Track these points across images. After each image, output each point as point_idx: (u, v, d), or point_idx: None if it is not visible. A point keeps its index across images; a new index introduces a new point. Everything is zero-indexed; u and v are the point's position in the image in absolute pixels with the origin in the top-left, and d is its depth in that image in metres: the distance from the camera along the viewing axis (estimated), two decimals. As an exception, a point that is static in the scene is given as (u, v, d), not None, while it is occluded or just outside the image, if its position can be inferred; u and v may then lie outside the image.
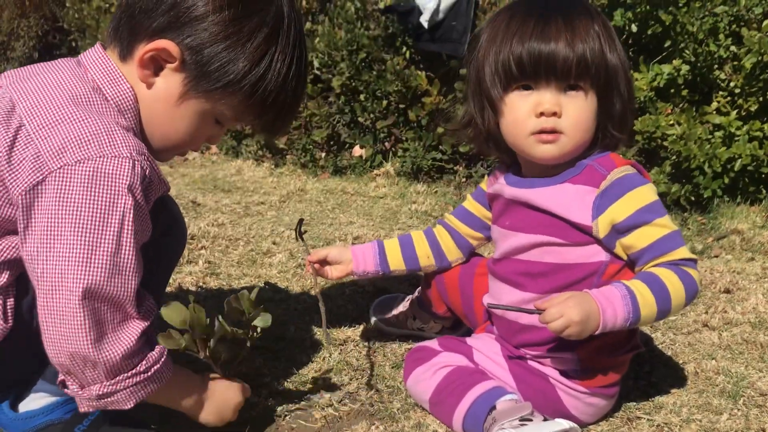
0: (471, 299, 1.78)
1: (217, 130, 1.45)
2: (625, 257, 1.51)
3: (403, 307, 2.00)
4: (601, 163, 1.51)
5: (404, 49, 3.47)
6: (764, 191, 3.14)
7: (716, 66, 3.06)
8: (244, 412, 1.54)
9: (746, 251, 2.76)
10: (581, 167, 1.52)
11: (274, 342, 1.90)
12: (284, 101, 1.41)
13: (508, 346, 1.63)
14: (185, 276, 2.25)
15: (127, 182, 1.22)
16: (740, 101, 3.05)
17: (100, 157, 1.21)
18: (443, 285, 1.84)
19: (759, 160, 2.99)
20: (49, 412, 1.43)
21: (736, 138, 2.99)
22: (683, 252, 1.47)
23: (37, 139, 1.22)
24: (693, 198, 3.09)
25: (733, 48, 3.01)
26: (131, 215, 1.23)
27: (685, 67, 3.01)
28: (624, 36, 3.20)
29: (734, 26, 3.05)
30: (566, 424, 1.46)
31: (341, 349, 1.90)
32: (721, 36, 3.02)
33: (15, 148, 1.23)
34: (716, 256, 2.72)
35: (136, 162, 1.23)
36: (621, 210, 1.47)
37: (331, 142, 3.74)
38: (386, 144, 3.65)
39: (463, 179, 3.45)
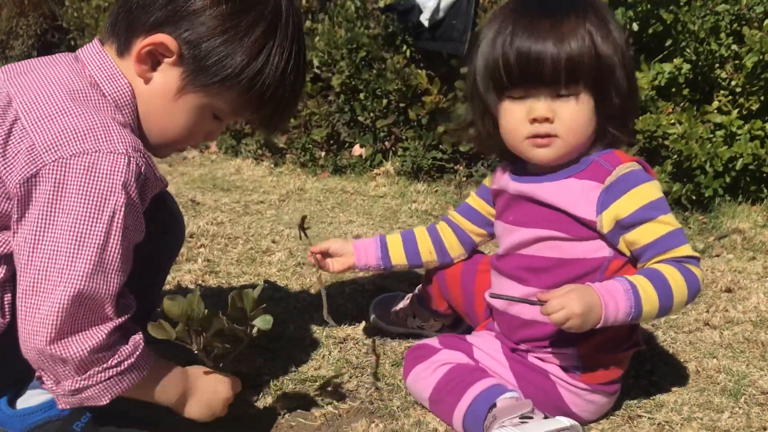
0: (472, 296, 1.78)
1: (216, 125, 1.44)
2: (628, 253, 1.51)
3: (403, 305, 1.99)
4: (607, 159, 1.51)
5: (404, 47, 3.47)
6: (765, 190, 3.13)
7: (717, 65, 3.06)
8: (240, 409, 1.53)
9: (747, 250, 2.75)
10: (586, 163, 1.52)
11: (273, 341, 1.89)
12: (282, 96, 1.40)
13: (508, 343, 1.62)
14: (184, 274, 2.25)
15: (122, 179, 1.21)
16: (741, 100, 3.04)
17: (96, 152, 1.20)
18: (444, 281, 1.83)
19: (760, 159, 2.99)
20: (47, 408, 1.42)
21: (738, 137, 2.99)
22: (686, 249, 1.47)
23: (32, 132, 1.21)
24: (694, 197, 3.08)
25: (734, 47, 3.00)
26: (122, 213, 1.21)
27: (686, 66, 3.01)
28: (625, 35, 3.20)
29: (735, 25, 3.04)
30: (567, 422, 1.45)
31: (341, 347, 1.89)
32: (723, 35, 3.01)
33: (10, 141, 1.22)
34: (717, 256, 2.72)
35: (132, 158, 1.22)
36: (625, 206, 1.47)
37: (331, 141, 3.74)
38: (386, 143, 3.64)
39: (464, 178, 3.44)
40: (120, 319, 1.25)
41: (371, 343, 1.78)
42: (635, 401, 1.69)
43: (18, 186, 1.20)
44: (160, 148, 1.41)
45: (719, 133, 2.99)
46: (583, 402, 1.56)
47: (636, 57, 3.17)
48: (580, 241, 1.51)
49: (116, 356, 1.26)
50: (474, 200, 1.79)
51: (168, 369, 1.38)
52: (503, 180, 1.64)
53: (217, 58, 1.32)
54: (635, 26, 3.09)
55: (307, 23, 3.69)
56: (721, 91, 3.08)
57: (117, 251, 1.22)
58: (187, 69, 1.33)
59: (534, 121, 1.49)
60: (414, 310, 1.97)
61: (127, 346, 1.27)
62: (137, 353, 1.28)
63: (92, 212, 1.19)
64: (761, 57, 2.92)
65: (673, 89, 3.08)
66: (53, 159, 1.19)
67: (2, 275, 1.29)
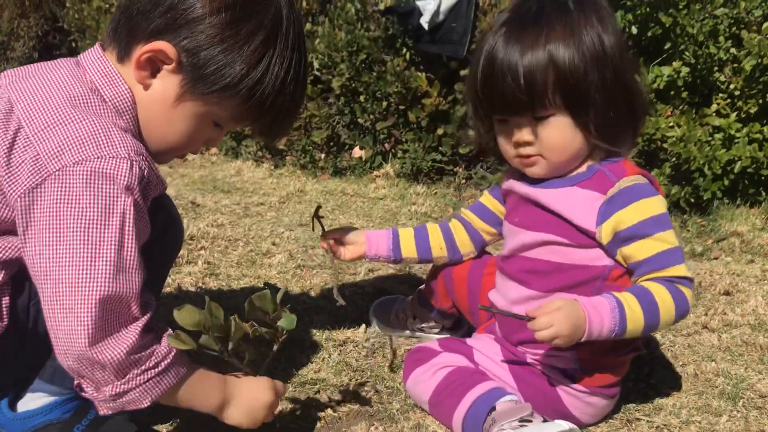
0: (477, 297, 1.78)
1: (216, 132, 1.44)
2: (625, 265, 1.52)
3: (403, 307, 2.00)
4: (612, 169, 1.51)
5: (404, 50, 3.47)
6: (764, 193, 3.14)
7: (716, 68, 3.07)
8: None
9: (746, 253, 2.76)
10: (592, 171, 1.52)
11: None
12: (282, 105, 1.39)
13: (508, 346, 1.63)
14: (184, 276, 2.25)
15: (125, 183, 1.22)
16: (740, 103, 3.05)
17: (98, 158, 1.21)
18: (451, 280, 1.84)
19: (759, 162, 2.99)
20: (48, 411, 1.43)
21: (736, 140, 2.99)
22: (680, 269, 1.46)
23: (35, 141, 1.22)
24: (693, 200, 3.09)
25: (733, 50, 3.01)
26: (131, 214, 1.22)
27: (685, 69, 3.01)
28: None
29: (734, 28, 3.05)
30: (566, 425, 1.46)
31: (341, 350, 1.90)
32: (721, 38, 3.02)
33: (14, 151, 1.23)
34: (716, 258, 2.72)
35: (134, 162, 1.23)
36: (624, 218, 1.47)
37: (331, 143, 3.74)
38: (386, 145, 3.65)
39: (463, 181, 3.44)
40: (145, 317, 1.27)
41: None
42: (634, 404, 1.70)
43: (22, 196, 1.20)
44: (160, 155, 1.42)
45: (718, 136, 3.00)
46: (583, 405, 1.57)
47: (635, 60, 3.17)
48: (582, 248, 1.52)
49: (153, 357, 1.27)
50: (487, 199, 1.80)
51: (208, 375, 1.39)
52: (512, 181, 1.65)
53: (216, 67, 1.31)
54: (634, 29, 3.10)
55: (308, 26, 3.69)
56: (720, 95, 3.09)
57: (134, 251, 1.23)
58: (186, 77, 1.32)
59: (516, 144, 1.52)
60: (414, 311, 1.97)
61: (162, 347, 1.29)
62: (173, 353, 1.30)
63: (102, 217, 1.20)
64: (760, 60, 2.93)
65: (672, 92, 3.09)
66: (57, 168, 1.20)
67: (1, 279, 1.30)
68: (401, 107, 3.49)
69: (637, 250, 1.47)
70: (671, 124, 3.02)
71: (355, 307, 2.15)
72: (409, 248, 1.82)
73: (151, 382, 1.27)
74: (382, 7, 3.48)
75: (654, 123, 3.00)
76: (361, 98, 3.54)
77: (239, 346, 1.41)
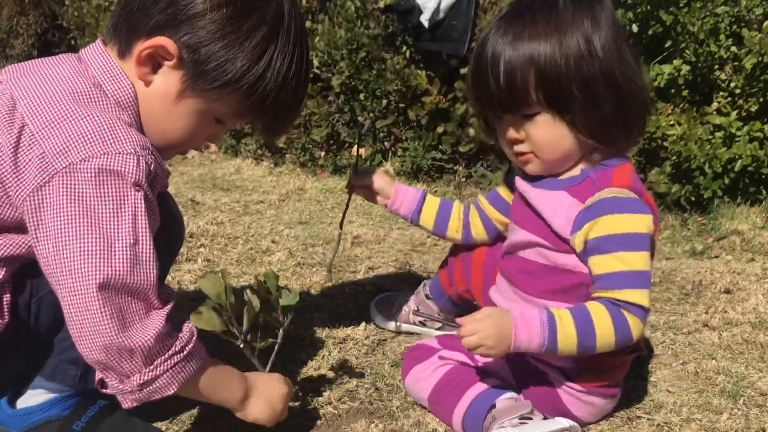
0: (490, 282, 1.78)
1: (218, 128, 1.43)
2: None
3: (406, 299, 2.00)
4: (600, 177, 1.48)
5: (404, 48, 3.47)
6: (764, 192, 3.14)
7: (717, 66, 3.06)
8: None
9: (746, 252, 2.76)
10: (583, 176, 1.50)
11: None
12: (284, 101, 1.39)
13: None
14: (184, 274, 2.25)
15: (133, 179, 1.22)
16: (741, 102, 3.05)
17: (105, 154, 1.21)
18: (469, 260, 1.84)
19: (759, 160, 2.99)
20: (48, 408, 1.43)
21: (737, 138, 2.99)
22: (632, 295, 1.41)
23: (41, 139, 1.22)
24: (693, 198, 3.08)
25: (733, 48, 3.01)
26: (143, 206, 1.23)
27: (685, 68, 3.01)
28: (623, 36, 3.20)
29: (735, 27, 3.05)
30: (566, 422, 1.46)
31: (341, 348, 1.89)
32: (722, 36, 3.01)
33: (20, 149, 1.22)
34: (716, 257, 2.72)
35: (141, 157, 1.23)
36: (594, 229, 1.44)
37: (331, 141, 3.74)
38: (386, 143, 3.65)
39: (463, 179, 3.44)
40: (168, 307, 1.28)
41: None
42: (634, 402, 1.70)
43: (30, 195, 1.20)
44: (161, 151, 1.40)
45: (718, 134, 3.00)
46: (581, 404, 1.56)
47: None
48: (565, 253, 1.50)
49: (178, 342, 1.28)
50: (502, 188, 1.80)
51: (229, 368, 1.41)
52: (518, 176, 1.64)
53: (217, 63, 1.31)
54: (635, 27, 3.10)
55: (307, 23, 3.69)
56: (721, 93, 3.09)
57: (148, 242, 1.24)
58: (188, 73, 1.32)
59: (509, 142, 1.52)
60: (419, 303, 1.97)
61: (184, 333, 1.30)
62: (194, 338, 1.31)
63: (114, 212, 1.21)
64: (760, 58, 2.93)
65: (673, 90, 3.09)
66: (64, 165, 1.19)
67: (1, 277, 1.29)
68: (401, 105, 3.49)
69: (596, 264, 1.44)
70: (672, 122, 3.02)
71: (355, 304, 2.15)
72: (428, 217, 1.84)
73: (177, 367, 1.27)
74: (382, 4, 3.48)
75: (654, 121, 3.00)
76: (361, 96, 3.54)
77: (249, 335, 1.44)
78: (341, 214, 1.89)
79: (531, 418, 1.45)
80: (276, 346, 1.51)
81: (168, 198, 1.59)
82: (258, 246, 2.54)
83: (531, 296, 1.55)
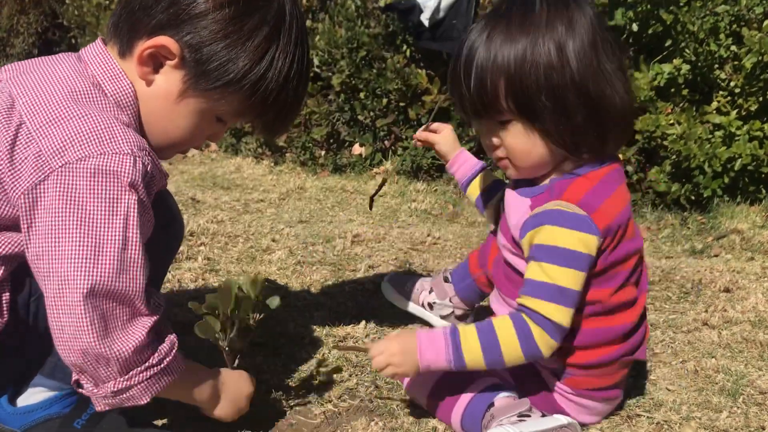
0: None
1: (219, 127, 1.43)
2: None
3: (421, 280, 2.02)
4: (558, 188, 1.45)
5: (404, 47, 3.47)
6: (764, 191, 3.14)
7: (717, 65, 3.07)
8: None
9: (746, 251, 2.76)
10: (549, 185, 1.48)
11: (273, 338, 1.90)
12: (285, 100, 1.39)
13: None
14: (184, 272, 2.25)
15: (129, 179, 1.21)
16: (740, 101, 3.05)
17: (102, 154, 1.20)
18: (487, 247, 1.85)
19: (759, 159, 3.00)
20: (48, 406, 1.43)
21: (736, 138, 2.99)
22: (546, 308, 1.40)
23: (38, 137, 1.22)
24: (693, 197, 3.09)
25: (733, 48, 3.01)
26: (135, 211, 1.22)
27: (685, 67, 3.01)
28: (625, 35, 3.20)
29: (735, 26, 3.05)
30: (564, 419, 1.46)
31: (341, 346, 1.89)
32: (722, 35, 3.02)
33: (16, 147, 1.22)
34: (716, 256, 2.72)
35: (138, 158, 1.23)
36: (536, 237, 1.43)
37: (331, 140, 3.74)
38: (386, 142, 3.65)
39: (463, 178, 3.44)
40: (154, 317, 1.27)
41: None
42: (634, 400, 1.70)
43: (26, 193, 1.20)
44: (162, 150, 1.40)
45: (718, 133, 3.00)
46: (573, 405, 1.55)
47: (635, 57, 3.17)
48: (523, 259, 1.50)
49: (156, 355, 1.27)
50: None
51: (200, 369, 1.42)
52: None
53: (219, 63, 1.30)
54: (635, 26, 3.10)
55: (308, 22, 3.69)
56: (720, 92, 3.09)
57: (137, 248, 1.23)
58: (189, 72, 1.31)
59: (487, 147, 1.52)
60: (434, 285, 1.98)
61: (165, 345, 1.29)
62: (174, 351, 1.31)
63: (106, 214, 1.20)
64: (760, 58, 2.93)
65: (673, 90, 3.09)
66: (60, 164, 1.19)
67: (0, 274, 1.30)
68: (401, 104, 3.49)
69: (527, 269, 1.45)
70: (671, 121, 3.02)
71: (355, 303, 2.16)
72: (475, 188, 1.86)
73: (152, 379, 1.28)
74: (382, 3, 3.48)
75: (654, 120, 3.01)
76: (362, 95, 3.54)
77: (235, 334, 1.45)
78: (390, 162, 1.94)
79: (529, 416, 1.45)
80: (246, 342, 1.51)
81: (168, 196, 1.59)
82: (258, 244, 2.54)
83: (512, 301, 1.55)
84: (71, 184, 1.19)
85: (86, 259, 1.19)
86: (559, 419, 1.45)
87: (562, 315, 1.40)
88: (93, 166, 1.20)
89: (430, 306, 1.99)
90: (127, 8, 1.34)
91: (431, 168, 3.51)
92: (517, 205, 1.52)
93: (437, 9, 3.29)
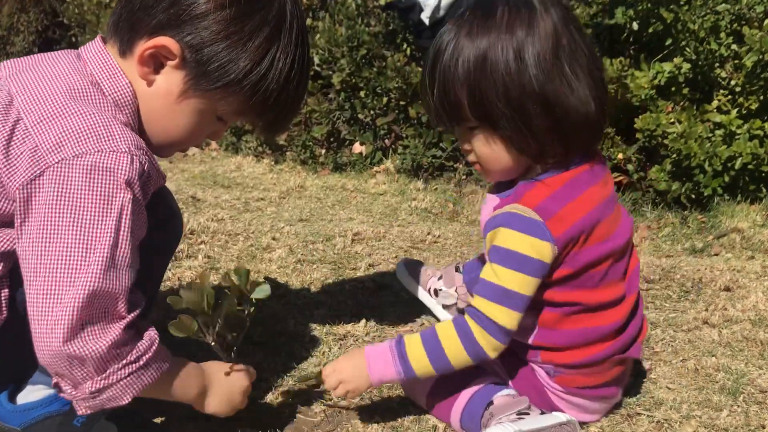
0: None
1: (219, 126, 1.43)
2: None
3: (434, 266, 2.03)
4: (519, 192, 1.45)
5: (405, 45, 3.47)
6: (764, 190, 3.14)
7: (717, 64, 3.07)
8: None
9: (746, 249, 2.76)
10: (515, 188, 1.48)
11: (273, 337, 1.90)
12: (286, 100, 1.39)
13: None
14: (185, 270, 2.25)
15: (125, 177, 1.21)
16: (741, 100, 3.05)
17: (98, 151, 1.20)
18: None
19: (759, 158, 2.99)
20: (48, 404, 1.42)
21: (737, 136, 2.99)
22: (489, 308, 1.41)
23: (35, 133, 1.21)
24: (693, 196, 3.09)
25: (734, 46, 3.01)
26: (129, 210, 1.21)
27: (686, 66, 3.01)
28: (625, 34, 3.20)
29: (735, 25, 3.05)
30: (563, 417, 1.46)
31: (341, 344, 1.90)
32: (723, 34, 3.02)
33: (13, 142, 1.22)
34: (716, 254, 2.72)
35: (134, 157, 1.22)
36: (494, 239, 1.44)
37: (331, 139, 3.74)
38: (386, 141, 3.65)
39: (463, 176, 3.44)
40: (131, 315, 1.25)
41: None
42: (634, 399, 1.70)
43: (21, 188, 1.20)
44: (162, 149, 1.41)
45: (718, 132, 3.00)
46: (566, 404, 1.55)
47: (636, 56, 3.17)
48: None
49: (134, 351, 1.25)
50: None
51: (185, 365, 1.39)
52: None
53: (219, 63, 1.30)
54: (635, 25, 3.10)
55: (308, 21, 3.69)
56: (721, 91, 3.09)
57: (127, 248, 1.22)
58: (190, 73, 1.31)
59: (462, 150, 1.52)
60: (444, 272, 1.98)
61: (144, 342, 1.27)
62: (154, 347, 1.28)
63: (100, 212, 1.19)
64: (761, 57, 2.93)
65: (673, 88, 3.09)
66: (56, 160, 1.19)
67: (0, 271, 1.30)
68: (402, 103, 3.49)
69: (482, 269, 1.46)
70: (672, 120, 3.02)
71: (356, 301, 2.16)
72: None
73: (132, 377, 1.25)
74: (382, 2, 3.48)
75: (655, 119, 3.00)
76: (362, 94, 3.54)
77: (222, 330, 1.43)
78: None
79: (528, 414, 1.45)
80: (241, 336, 1.48)
81: (167, 194, 1.59)
82: (258, 243, 2.54)
83: None
84: (67, 180, 1.19)
85: (76, 255, 1.18)
86: (558, 417, 1.45)
87: (505, 317, 1.41)
88: (89, 163, 1.19)
89: (436, 292, 1.98)
90: (127, 8, 1.33)
91: (431, 167, 3.51)
92: (487, 204, 1.53)
93: (437, 7, 3.29)
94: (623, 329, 1.53)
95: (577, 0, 3.23)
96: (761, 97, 3.02)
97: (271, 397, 1.65)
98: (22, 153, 1.21)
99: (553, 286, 1.46)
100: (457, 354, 1.44)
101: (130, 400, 1.26)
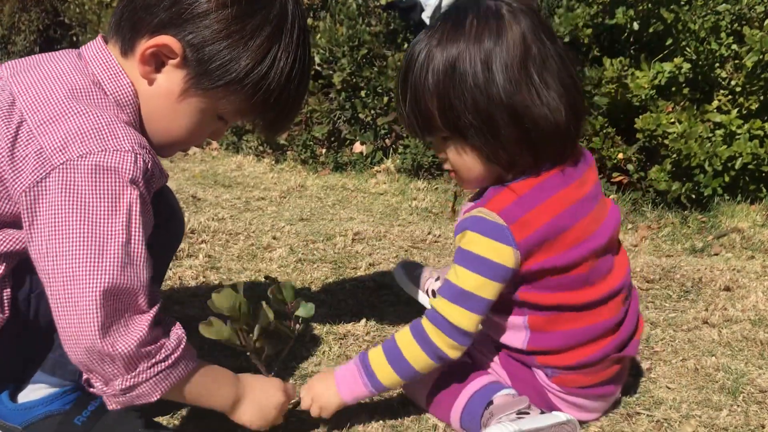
0: None
1: (220, 125, 1.43)
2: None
3: (431, 267, 2.03)
4: (487, 196, 1.45)
5: (406, 45, 3.47)
6: (764, 190, 3.14)
7: (717, 64, 3.07)
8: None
9: (746, 249, 2.76)
10: (484, 194, 1.48)
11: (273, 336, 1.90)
12: (287, 100, 1.39)
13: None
14: (185, 270, 2.25)
15: (130, 176, 1.21)
16: (741, 100, 3.05)
17: (103, 151, 1.20)
18: None
19: (759, 158, 3.00)
20: (49, 403, 1.43)
21: (737, 136, 3.00)
22: (445, 307, 1.42)
23: (39, 134, 1.22)
24: (693, 196, 3.09)
25: (734, 46, 3.01)
26: (137, 207, 1.22)
27: (686, 66, 3.01)
28: (626, 34, 3.21)
29: (736, 25, 3.05)
30: (563, 416, 1.45)
31: (341, 343, 1.90)
32: (723, 34, 3.02)
33: (17, 144, 1.22)
34: (716, 254, 2.72)
35: (138, 155, 1.23)
36: (459, 241, 1.44)
37: (332, 139, 3.74)
38: (387, 140, 3.65)
39: (464, 176, 3.45)
40: (153, 311, 1.26)
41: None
42: (634, 398, 1.70)
43: (27, 190, 1.20)
44: (163, 148, 1.41)
45: (719, 132, 3.00)
46: (567, 403, 1.55)
47: (636, 56, 3.18)
48: None
49: (163, 350, 1.26)
50: None
51: (220, 371, 1.40)
52: None
53: (221, 62, 1.30)
54: (636, 25, 3.10)
55: (309, 20, 3.69)
56: (721, 91, 3.09)
57: (140, 244, 1.23)
58: (191, 72, 1.31)
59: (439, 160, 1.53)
60: (442, 273, 1.99)
61: (171, 340, 1.28)
62: (182, 345, 1.29)
63: (108, 210, 1.20)
64: (761, 57, 2.94)
65: (673, 88, 3.09)
66: (61, 161, 1.19)
67: (1, 272, 1.30)
68: (402, 102, 3.49)
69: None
70: (672, 120, 3.02)
71: (356, 301, 2.16)
72: None
73: (160, 375, 1.26)
74: (383, 2, 3.48)
75: (655, 119, 3.01)
76: (362, 93, 3.54)
77: (260, 340, 1.44)
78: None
79: (528, 413, 1.45)
80: (283, 353, 1.51)
81: (168, 193, 1.59)
82: (259, 242, 2.54)
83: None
84: (73, 181, 1.19)
85: (90, 255, 1.19)
86: (558, 416, 1.45)
87: (462, 318, 1.41)
88: (94, 163, 1.20)
89: (434, 293, 1.99)
90: (128, 7, 1.33)
91: (432, 166, 3.51)
92: (463, 211, 1.53)
93: (438, 7, 3.29)
94: (617, 327, 1.53)
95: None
96: (761, 97, 3.02)
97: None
98: (27, 155, 1.21)
99: (536, 290, 1.46)
100: (417, 358, 1.44)
101: (158, 397, 1.28)
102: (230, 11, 1.29)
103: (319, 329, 1.96)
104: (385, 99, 3.49)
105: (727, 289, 2.35)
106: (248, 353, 1.44)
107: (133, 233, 1.22)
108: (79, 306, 1.19)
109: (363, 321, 2.00)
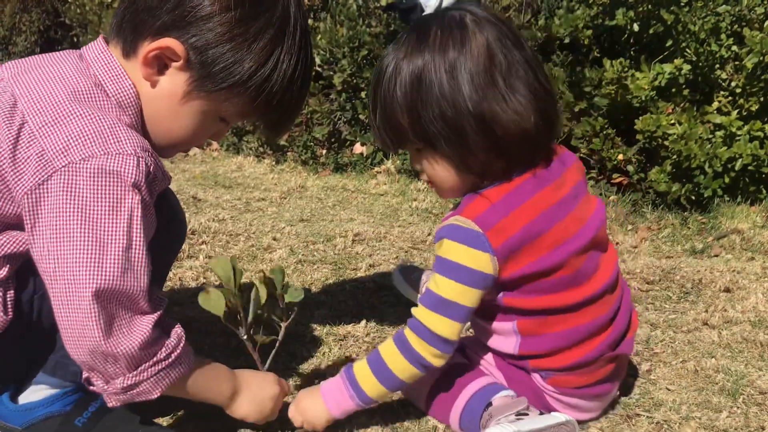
0: None
1: (222, 126, 1.43)
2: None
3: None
4: (462, 204, 1.45)
5: (406, 46, 3.47)
6: (765, 191, 3.14)
7: (717, 66, 3.07)
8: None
9: (746, 251, 2.76)
10: (460, 202, 1.49)
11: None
12: (289, 102, 1.39)
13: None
14: (186, 270, 2.26)
15: (132, 180, 1.21)
16: (741, 101, 3.05)
17: (105, 154, 1.20)
18: None
19: (759, 159, 3.00)
20: (49, 404, 1.43)
21: (737, 138, 2.99)
22: (425, 315, 1.42)
23: (40, 136, 1.22)
24: (693, 197, 3.09)
25: (734, 48, 3.01)
26: (139, 211, 1.22)
27: (686, 67, 3.01)
28: (625, 35, 3.21)
29: (736, 26, 3.05)
30: (562, 417, 1.46)
31: (341, 344, 1.90)
32: (723, 36, 3.02)
33: (19, 146, 1.22)
34: (716, 256, 2.72)
35: (141, 159, 1.23)
36: (437, 249, 1.45)
37: (332, 139, 3.74)
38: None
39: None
40: (157, 314, 1.28)
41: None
42: (634, 400, 1.70)
43: (29, 192, 1.20)
44: (164, 149, 1.41)
45: (719, 133, 3.00)
46: (563, 404, 1.55)
47: (636, 57, 3.18)
48: None
49: (164, 349, 1.28)
50: None
51: (217, 366, 1.43)
52: None
53: (224, 65, 1.30)
54: (636, 27, 3.10)
55: (310, 21, 3.70)
56: (721, 92, 3.09)
57: (142, 248, 1.24)
58: (194, 74, 1.32)
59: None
60: None
61: (171, 339, 1.30)
62: (182, 344, 1.31)
63: (109, 214, 1.20)
64: (761, 58, 2.93)
65: (674, 90, 3.09)
66: (63, 164, 1.19)
67: (4, 274, 1.30)
68: (402, 103, 3.49)
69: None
70: (672, 121, 3.02)
71: (356, 302, 2.16)
72: None
73: (161, 373, 1.29)
74: (383, 2, 3.48)
75: (655, 120, 3.01)
76: (363, 94, 3.54)
77: (252, 329, 1.47)
78: None
79: (527, 414, 1.45)
80: (276, 343, 1.52)
81: (170, 195, 1.59)
82: (259, 243, 2.55)
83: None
84: (74, 184, 1.19)
85: (91, 259, 1.19)
86: (557, 417, 1.45)
87: (443, 326, 1.42)
88: (96, 166, 1.20)
89: None
90: (130, 9, 1.33)
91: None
92: (444, 216, 1.53)
93: (438, 8, 3.29)
94: (609, 325, 1.53)
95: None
96: (761, 99, 3.02)
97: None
98: (29, 157, 1.21)
99: (521, 295, 1.46)
100: (401, 367, 1.45)
101: (158, 395, 1.30)
102: (234, 14, 1.29)
103: (319, 330, 1.97)
104: (386, 100, 3.49)
105: (727, 290, 2.35)
106: (244, 338, 1.47)
107: (134, 238, 1.22)
108: (81, 308, 1.20)
109: (363, 322, 2.00)
